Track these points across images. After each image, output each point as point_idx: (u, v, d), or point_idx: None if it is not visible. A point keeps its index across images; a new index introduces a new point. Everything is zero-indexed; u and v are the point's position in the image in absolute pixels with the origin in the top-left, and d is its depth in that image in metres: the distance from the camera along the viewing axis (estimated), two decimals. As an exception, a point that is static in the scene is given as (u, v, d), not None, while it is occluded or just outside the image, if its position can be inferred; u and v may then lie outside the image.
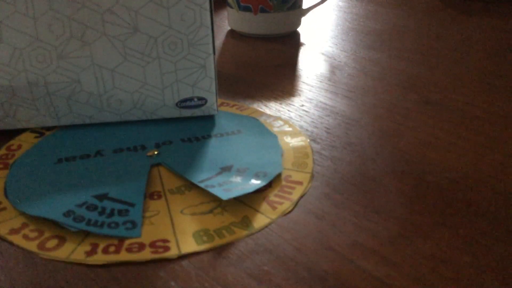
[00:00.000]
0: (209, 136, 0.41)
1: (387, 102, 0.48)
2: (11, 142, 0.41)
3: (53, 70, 0.39)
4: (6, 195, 0.34)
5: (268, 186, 0.35)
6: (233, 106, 0.47)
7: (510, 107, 0.47)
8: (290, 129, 0.43)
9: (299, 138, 0.41)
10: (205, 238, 0.30)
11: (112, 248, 0.28)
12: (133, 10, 0.38)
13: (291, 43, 0.66)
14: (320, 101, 0.48)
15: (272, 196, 0.34)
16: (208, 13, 0.39)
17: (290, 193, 0.34)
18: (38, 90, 0.39)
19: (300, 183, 0.35)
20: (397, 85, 0.52)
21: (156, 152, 0.38)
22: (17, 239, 0.29)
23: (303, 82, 0.53)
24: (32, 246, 0.29)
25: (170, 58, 0.40)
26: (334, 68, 0.57)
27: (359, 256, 0.29)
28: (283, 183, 0.35)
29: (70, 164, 0.37)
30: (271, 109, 0.46)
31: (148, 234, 0.30)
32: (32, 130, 0.42)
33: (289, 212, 0.33)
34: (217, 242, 0.30)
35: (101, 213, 0.31)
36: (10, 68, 0.38)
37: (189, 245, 0.29)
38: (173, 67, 0.41)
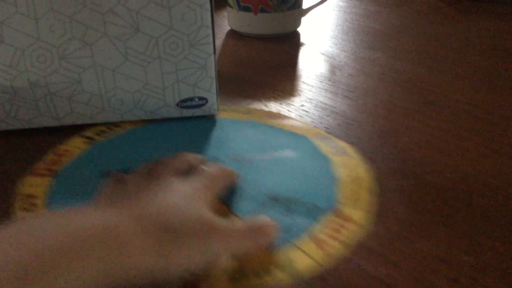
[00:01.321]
0: (258, 156, 0.38)
1: (387, 102, 0.48)
2: (59, 146, 0.40)
3: (54, 71, 0.39)
4: (48, 206, 0.32)
5: (317, 222, 0.31)
6: (286, 119, 0.43)
7: (510, 107, 0.47)
8: (347, 154, 0.38)
9: (356, 166, 0.37)
10: (237, 275, 0.27)
11: None
12: (134, 11, 0.38)
13: (291, 43, 0.66)
14: (320, 101, 0.48)
15: (321, 234, 0.30)
16: (208, 14, 0.39)
17: (340, 232, 0.30)
18: (39, 90, 0.39)
19: (353, 221, 0.31)
20: (397, 85, 0.52)
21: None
22: None
23: (303, 82, 0.53)
24: None
25: (171, 58, 0.40)
26: (334, 68, 0.57)
27: (359, 255, 0.29)
28: (334, 219, 0.31)
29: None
30: (271, 109, 0.47)
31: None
32: (82, 135, 0.41)
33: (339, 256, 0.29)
34: (252, 282, 0.27)
35: None
36: (11, 68, 0.38)
37: (220, 280, 0.27)
38: (174, 67, 0.41)
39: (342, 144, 0.40)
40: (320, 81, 0.53)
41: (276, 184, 0.34)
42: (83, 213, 0.25)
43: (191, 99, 0.43)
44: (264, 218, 0.29)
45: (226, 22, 0.72)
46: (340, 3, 0.85)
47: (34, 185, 0.35)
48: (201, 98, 0.43)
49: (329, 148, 0.39)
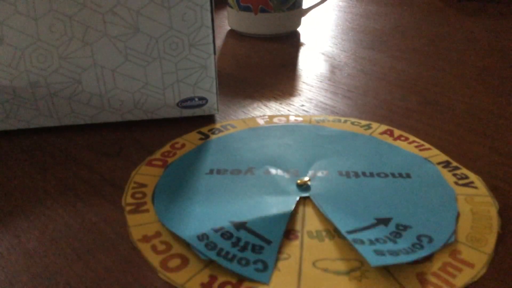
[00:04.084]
0: (371, 175, 0.34)
1: (387, 102, 0.48)
2: (177, 139, 0.41)
3: (54, 71, 0.39)
4: (153, 197, 0.33)
5: (427, 258, 0.27)
6: (411, 142, 0.39)
7: (510, 107, 0.47)
8: (475, 185, 0.34)
9: (484, 201, 0.32)
10: None
11: (229, 287, 0.25)
12: (134, 11, 0.38)
13: (291, 43, 0.66)
14: (320, 101, 0.48)
15: (430, 274, 0.26)
16: (209, 14, 0.39)
17: (453, 276, 0.26)
18: (39, 90, 0.39)
19: (471, 265, 0.27)
20: (397, 85, 0.52)
21: (308, 182, 0.33)
22: (145, 249, 0.28)
23: (303, 82, 0.53)
24: (155, 260, 0.27)
25: (171, 58, 0.40)
26: (334, 68, 0.57)
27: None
28: (448, 259, 0.27)
29: (219, 177, 0.35)
30: (271, 109, 0.47)
31: (270, 280, 0.26)
32: (199, 131, 0.42)
33: None
34: None
35: (235, 244, 0.28)
36: (11, 68, 0.38)
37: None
38: (174, 67, 0.41)
39: (467, 172, 0.36)
40: (320, 81, 0.53)
41: (390, 206, 0.31)
42: None
43: (191, 99, 0.43)
44: None
45: (226, 22, 0.72)
46: (340, 3, 0.85)
47: (147, 174, 0.36)
48: (201, 98, 0.43)
49: (456, 176, 0.35)
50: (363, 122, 0.43)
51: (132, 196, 0.34)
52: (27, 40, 0.37)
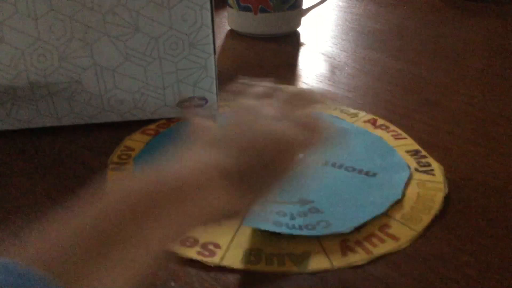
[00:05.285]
0: (339, 167, 0.37)
1: (387, 102, 0.48)
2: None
3: (54, 71, 0.39)
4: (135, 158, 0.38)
5: (357, 229, 0.30)
6: (390, 131, 0.42)
7: (510, 107, 0.47)
8: (433, 173, 0.36)
9: (435, 187, 0.35)
10: (252, 259, 0.28)
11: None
12: (134, 11, 0.38)
13: (291, 43, 0.66)
14: (320, 101, 0.48)
15: (353, 241, 0.30)
16: (209, 14, 0.39)
17: (374, 245, 0.29)
18: (39, 90, 0.39)
19: (396, 238, 0.30)
20: (397, 85, 0.52)
21: None
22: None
23: (303, 82, 0.53)
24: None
25: (171, 58, 0.40)
26: (334, 68, 0.57)
27: (359, 256, 0.29)
28: (376, 231, 0.30)
29: None
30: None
31: (209, 234, 0.29)
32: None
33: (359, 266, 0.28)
34: (260, 267, 0.28)
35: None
36: (11, 68, 0.38)
37: (232, 260, 0.28)
38: (174, 67, 0.41)
39: (431, 161, 0.38)
40: (320, 81, 0.53)
41: (325, 194, 0.34)
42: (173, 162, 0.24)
43: (191, 99, 0.43)
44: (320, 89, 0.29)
45: (226, 22, 0.72)
46: (340, 3, 0.85)
47: (136, 140, 0.40)
48: (201, 98, 0.43)
49: (415, 164, 0.38)
50: (352, 111, 0.45)
51: (119, 157, 0.38)
52: (27, 40, 0.37)
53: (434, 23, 0.75)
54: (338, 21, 0.76)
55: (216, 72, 0.42)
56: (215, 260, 0.28)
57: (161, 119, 0.43)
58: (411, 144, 0.40)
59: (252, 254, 0.29)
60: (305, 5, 0.70)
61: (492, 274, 0.28)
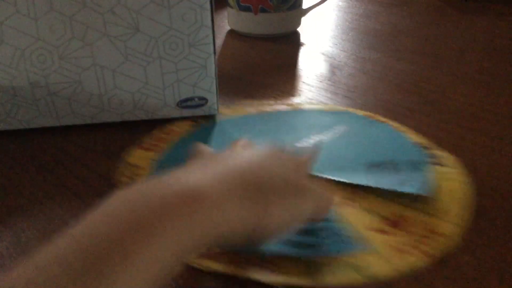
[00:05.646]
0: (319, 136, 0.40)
1: (387, 102, 0.48)
2: (167, 125, 0.43)
3: (54, 71, 0.39)
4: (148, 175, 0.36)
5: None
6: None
7: (510, 107, 0.47)
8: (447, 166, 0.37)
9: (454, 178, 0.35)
10: (312, 270, 0.28)
11: None
12: (134, 11, 0.38)
13: (291, 43, 0.66)
14: (320, 101, 0.48)
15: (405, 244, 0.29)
16: (208, 14, 0.39)
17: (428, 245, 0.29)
18: (40, 90, 0.39)
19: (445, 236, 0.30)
20: (397, 85, 0.52)
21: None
22: None
23: (303, 82, 0.53)
24: None
25: (171, 58, 0.40)
26: (334, 68, 0.57)
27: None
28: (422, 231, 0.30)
29: None
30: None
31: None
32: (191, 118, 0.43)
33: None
34: (326, 278, 0.27)
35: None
36: (11, 68, 0.38)
37: (293, 272, 0.27)
38: (174, 67, 0.41)
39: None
40: (320, 81, 0.53)
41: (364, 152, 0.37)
42: (161, 181, 0.22)
43: (191, 99, 0.43)
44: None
45: (226, 22, 0.72)
46: (340, 3, 0.85)
47: (139, 157, 0.39)
48: (201, 98, 0.43)
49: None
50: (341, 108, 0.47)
51: (124, 176, 0.36)
52: (27, 40, 0.37)
53: (434, 23, 0.75)
54: (338, 21, 0.76)
55: (216, 72, 0.42)
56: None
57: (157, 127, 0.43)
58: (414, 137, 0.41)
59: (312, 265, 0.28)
60: (305, 5, 0.71)
61: (492, 274, 0.28)
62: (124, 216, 0.20)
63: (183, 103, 0.43)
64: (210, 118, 0.44)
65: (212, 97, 0.43)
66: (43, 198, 0.34)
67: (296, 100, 0.49)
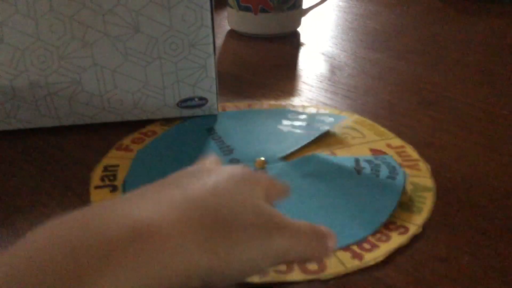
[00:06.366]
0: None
1: (387, 102, 0.48)
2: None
3: (54, 71, 0.39)
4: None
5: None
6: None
7: (510, 107, 0.47)
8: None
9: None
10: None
11: None
12: (134, 11, 0.38)
13: (291, 43, 0.66)
14: (320, 101, 0.48)
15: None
16: (209, 14, 0.39)
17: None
18: (39, 90, 0.39)
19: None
20: (397, 85, 0.52)
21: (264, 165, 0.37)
22: None
23: (303, 82, 0.53)
24: None
25: (171, 58, 0.40)
26: (334, 68, 0.57)
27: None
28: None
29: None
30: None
31: None
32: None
33: None
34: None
35: None
36: (11, 68, 0.38)
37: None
38: (174, 67, 0.41)
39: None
40: (320, 81, 0.53)
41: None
42: (105, 210, 0.20)
43: (191, 99, 0.43)
44: (324, 228, 0.25)
45: (226, 22, 0.72)
46: (340, 3, 0.86)
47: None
48: (201, 98, 0.43)
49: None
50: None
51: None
52: (27, 40, 0.37)
53: (434, 23, 0.75)
54: (338, 21, 0.76)
55: (216, 72, 0.42)
56: None
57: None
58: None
59: None
60: (305, 5, 0.70)
61: (492, 274, 0.28)
62: (59, 264, 0.17)
63: (183, 103, 0.43)
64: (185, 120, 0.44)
65: (212, 97, 0.43)
66: (43, 198, 0.34)
67: (296, 100, 0.49)
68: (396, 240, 0.30)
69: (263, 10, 0.65)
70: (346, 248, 0.29)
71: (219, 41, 0.67)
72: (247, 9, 0.66)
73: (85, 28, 0.38)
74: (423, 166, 0.38)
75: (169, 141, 0.41)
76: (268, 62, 0.59)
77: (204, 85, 0.42)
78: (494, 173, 0.37)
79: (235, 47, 0.65)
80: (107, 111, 0.42)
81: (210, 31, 0.40)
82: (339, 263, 0.28)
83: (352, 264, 0.28)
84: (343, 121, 0.43)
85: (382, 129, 0.43)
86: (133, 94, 0.41)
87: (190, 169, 0.25)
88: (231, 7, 0.68)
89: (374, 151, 0.39)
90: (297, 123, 0.43)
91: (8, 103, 0.40)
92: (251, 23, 0.67)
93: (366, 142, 0.41)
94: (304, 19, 0.72)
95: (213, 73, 0.42)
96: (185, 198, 0.21)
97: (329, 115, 0.44)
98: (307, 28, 0.72)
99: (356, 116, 0.45)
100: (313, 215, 0.32)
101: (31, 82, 0.39)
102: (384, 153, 0.39)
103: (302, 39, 0.68)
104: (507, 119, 0.45)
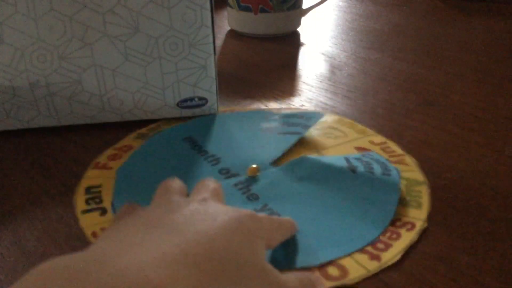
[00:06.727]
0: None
1: (387, 102, 0.48)
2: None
3: (54, 71, 0.39)
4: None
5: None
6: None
7: (510, 107, 0.47)
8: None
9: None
10: None
11: None
12: (134, 11, 0.38)
13: (291, 43, 0.66)
14: (320, 101, 0.48)
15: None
16: (209, 14, 0.39)
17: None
18: (39, 90, 0.39)
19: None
20: (397, 85, 0.52)
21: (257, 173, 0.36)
22: None
23: (303, 82, 0.53)
24: None
25: (171, 58, 0.40)
26: (334, 68, 0.57)
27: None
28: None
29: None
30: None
31: None
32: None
33: None
34: None
35: None
36: (11, 68, 0.38)
37: None
38: (174, 67, 0.41)
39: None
40: (320, 81, 0.53)
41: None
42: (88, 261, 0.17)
43: (191, 99, 0.43)
44: (309, 273, 0.26)
45: (226, 22, 0.72)
46: (340, 3, 0.85)
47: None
48: (201, 98, 0.43)
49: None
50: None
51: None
52: (27, 40, 0.37)
53: (434, 23, 0.75)
54: (338, 21, 0.76)
55: (216, 72, 0.42)
56: None
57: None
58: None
59: None
60: (305, 5, 0.70)
61: (492, 274, 0.28)
62: None
63: (183, 103, 0.43)
64: (157, 130, 0.42)
65: (212, 97, 0.43)
66: (43, 198, 0.34)
67: (296, 100, 0.49)
68: (407, 236, 0.30)
69: (263, 10, 0.65)
70: (362, 250, 0.29)
71: (219, 41, 0.67)
72: (247, 9, 0.66)
73: (85, 28, 0.38)
74: (410, 160, 0.38)
75: (148, 156, 0.39)
76: (268, 62, 0.59)
77: (204, 85, 0.42)
78: (494, 173, 0.37)
79: (235, 47, 0.65)
80: (107, 111, 0.42)
81: (210, 31, 0.40)
82: (359, 266, 0.28)
83: (373, 266, 0.28)
84: (321, 119, 0.44)
85: (361, 126, 0.43)
86: (133, 94, 0.41)
87: (187, 202, 0.24)
88: (231, 7, 0.68)
89: (359, 149, 0.39)
90: (275, 125, 0.43)
91: (8, 103, 0.40)
92: (251, 23, 0.67)
93: (349, 140, 0.41)
94: (304, 19, 0.72)
95: (213, 73, 0.42)
96: (181, 246, 0.19)
97: (306, 114, 0.44)
98: (307, 28, 0.72)
99: (334, 116, 0.45)
100: (322, 219, 0.32)
101: (31, 82, 0.39)
102: (370, 150, 0.39)
103: (302, 39, 0.68)
104: (507, 119, 0.45)
